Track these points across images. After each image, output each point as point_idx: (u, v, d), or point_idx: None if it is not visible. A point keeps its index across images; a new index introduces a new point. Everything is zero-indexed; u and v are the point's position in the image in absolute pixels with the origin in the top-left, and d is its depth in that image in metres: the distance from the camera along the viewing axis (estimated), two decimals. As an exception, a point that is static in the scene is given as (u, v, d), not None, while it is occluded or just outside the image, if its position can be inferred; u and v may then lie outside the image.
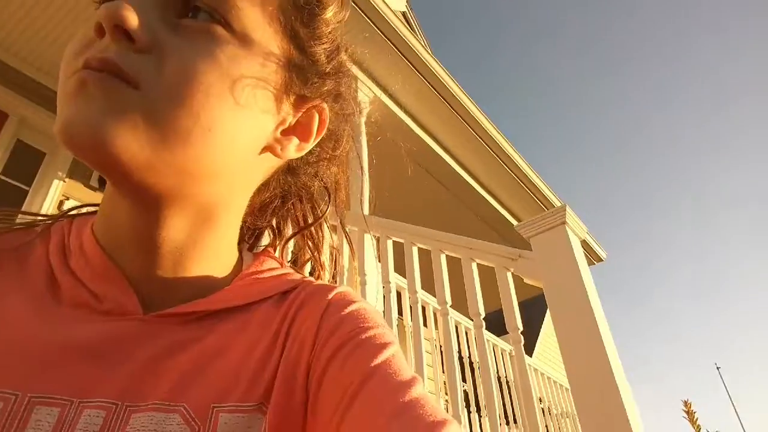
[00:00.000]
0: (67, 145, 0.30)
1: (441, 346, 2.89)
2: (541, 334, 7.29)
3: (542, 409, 3.69)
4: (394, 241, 2.27)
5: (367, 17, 3.27)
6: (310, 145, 0.43)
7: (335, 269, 0.56)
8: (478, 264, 1.93)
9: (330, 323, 0.37)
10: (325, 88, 0.42)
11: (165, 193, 0.34)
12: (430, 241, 2.08)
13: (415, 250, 2.15)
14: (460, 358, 3.14)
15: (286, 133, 0.41)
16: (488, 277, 1.92)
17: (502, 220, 5.26)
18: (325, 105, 0.43)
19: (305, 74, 0.40)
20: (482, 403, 3.06)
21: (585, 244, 5.41)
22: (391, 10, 3.36)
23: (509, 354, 3.70)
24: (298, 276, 0.44)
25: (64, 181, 3.33)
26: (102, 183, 3.41)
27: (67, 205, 3.19)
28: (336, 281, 0.51)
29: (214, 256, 0.39)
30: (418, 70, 3.69)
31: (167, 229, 0.35)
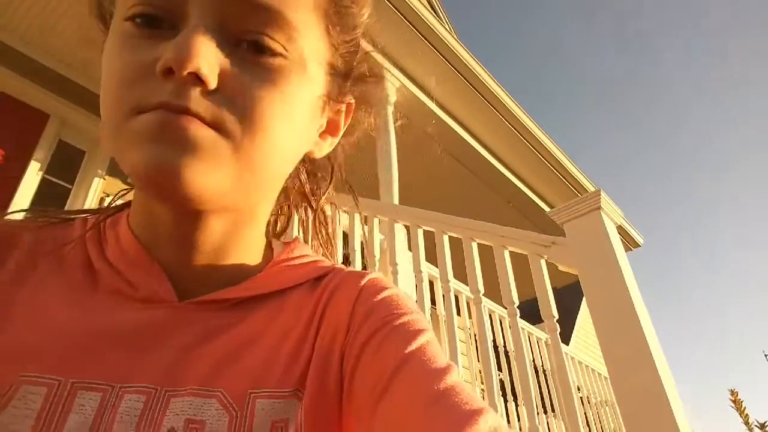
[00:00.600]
0: (150, 185, 0.30)
1: (475, 335, 2.88)
2: (577, 321, 7.15)
3: (581, 398, 3.63)
4: (424, 231, 2.26)
5: (392, 4, 3.24)
6: (338, 139, 0.45)
7: (346, 250, 0.56)
8: (510, 252, 1.90)
9: (363, 309, 0.37)
10: (360, 88, 0.44)
11: (219, 208, 0.35)
12: (461, 230, 2.06)
13: (446, 238, 2.14)
14: (495, 346, 3.12)
15: (322, 134, 0.43)
16: (521, 264, 1.89)
17: (535, 207, 5.16)
18: (353, 100, 0.45)
19: (344, 79, 0.42)
20: (518, 392, 3.04)
21: (621, 230, 5.26)
22: (416, -4, 3.32)
23: (545, 342, 3.65)
24: (329, 263, 0.45)
25: (104, 179, 3.44)
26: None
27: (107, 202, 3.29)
28: (366, 270, 0.51)
29: (248, 246, 0.40)
30: (444, 57, 3.63)
31: (208, 231, 0.36)
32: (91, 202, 3.31)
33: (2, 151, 3.04)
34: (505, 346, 3.29)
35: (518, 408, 2.99)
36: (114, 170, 3.49)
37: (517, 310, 1.79)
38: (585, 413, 3.56)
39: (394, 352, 0.32)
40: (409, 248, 2.40)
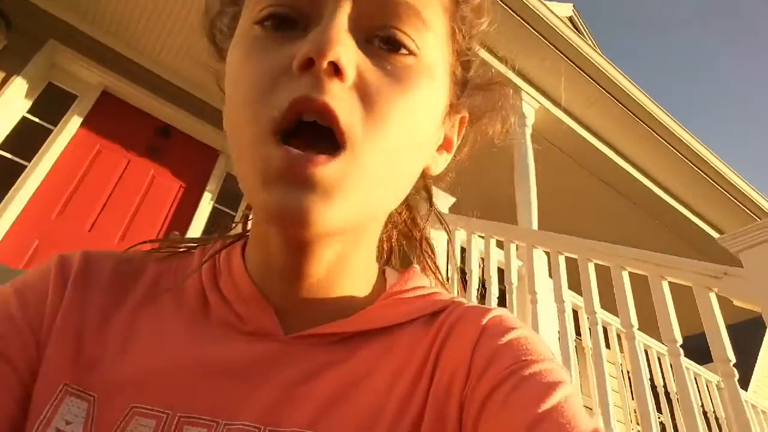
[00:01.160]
0: (278, 225, 0.30)
1: (628, 372, 2.60)
2: (758, 363, 6.07)
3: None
4: (566, 257, 2.12)
5: (531, 26, 3.17)
6: (452, 155, 0.43)
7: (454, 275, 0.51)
8: (670, 283, 1.69)
9: (486, 353, 0.32)
10: (478, 100, 0.42)
11: (334, 236, 0.33)
12: (609, 257, 1.89)
13: (591, 266, 1.98)
14: (653, 386, 2.78)
15: (439, 148, 0.41)
16: (682, 295, 1.67)
17: (701, 233, 4.53)
18: (466, 114, 0.43)
19: (463, 89, 0.40)
20: (683, 442, 2.66)
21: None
22: (556, 16, 3.21)
23: (716, 385, 3.16)
24: (447, 296, 0.41)
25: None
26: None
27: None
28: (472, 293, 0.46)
29: (357, 274, 0.38)
30: (588, 75, 3.43)
31: (319, 262, 0.35)
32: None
33: (183, 184, 3.57)
34: (665, 386, 2.91)
35: (684, 460, 2.61)
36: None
37: (681, 350, 1.58)
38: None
39: (525, 410, 0.28)
40: (550, 275, 2.27)
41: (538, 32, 3.20)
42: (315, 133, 0.29)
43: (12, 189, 2.92)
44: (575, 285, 2.13)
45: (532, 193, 3.11)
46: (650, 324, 1.94)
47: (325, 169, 0.29)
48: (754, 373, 5.96)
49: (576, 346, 2.33)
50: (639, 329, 1.80)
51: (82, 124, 3.30)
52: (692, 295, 1.59)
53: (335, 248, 0.35)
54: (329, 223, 0.29)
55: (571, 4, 5.57)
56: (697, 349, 2.26)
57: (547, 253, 2.27)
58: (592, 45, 3.41)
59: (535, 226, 2.98)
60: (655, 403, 2.87)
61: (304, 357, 0.34)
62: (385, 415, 0.31)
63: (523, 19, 3.13)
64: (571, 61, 3.34)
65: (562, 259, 2.11)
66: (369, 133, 0.30)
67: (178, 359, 0.33)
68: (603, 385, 1.79)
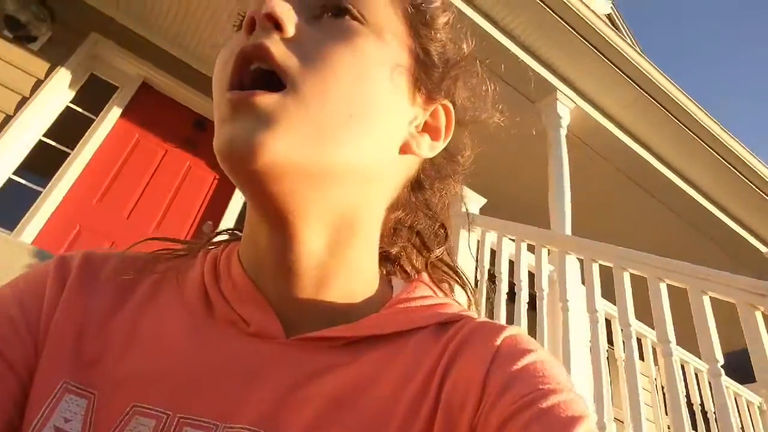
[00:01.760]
0: (225, 161, 0.31)
1: (663, 387, 2.50)
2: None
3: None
4: (600, 265, 2.04)
5: (566, 22, 3.07)
6: (441, 145, 0.42)
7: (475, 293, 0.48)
8: (711, 298, 1.61)
9: (500, 378, 0.31)
10: (448, 85, 0.42)
11: (305, 202, 0.33)
12: (646, 267, 1.81)
13: (626, 276, 1.90)
14: (689, 403, 2.67)
15: (419, 131, 0.41)
16: (722, 308, 1.58)
17: (750, 248, 4.32)
18: (450, 106, 0.43)
19: (430, 71, 0.40)
20: (718, 462, 2.54)
21: None
22: (594, 13, 3.10)
23: (757, 407, 3.01)
24: (457, 307, 0.40)
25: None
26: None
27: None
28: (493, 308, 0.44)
29: (356, 272, 0.38)
30: (627, 75, 3.31)
31: (305, 243, 0.35)
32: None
33: (218, 175, 3.63)
34: (702, 404, 2.79)
35: (718, 482, 2.49)
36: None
37: (721, 370, 1.50)
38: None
39: None
40: (582, 282, 2.19)
41: (574, 29, 3.10)
42: (267, 85, 0.31)
43: (55, 176, 3.03)
44: (608, 293, 2.05)
45: (566, 196, 3.02)
46: (687, 336, 1.85)
47: (265, 98, 0.30)
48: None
49: (608, 356, 2.26)
50: (676, 343, 1.72)
51: (122, 115, 3.40)
52: (733, 308, 1.51)
53: (318, 232, 0.35)
54: (273, 153, 0.30)
55: (610, 1, 5.38)
56: (739, 366, 2.14)
57: (581, 260, 2.19)
58: (631, 43, 3.29)
59: (568, 231, 2.89)
60: (691, 421, 2.76)
61: (307, 360, 0.34)
62: (394, 420, 0.30)
63: (559, 16, 3.04)
64: (608, 60, 3.22)
65: (596, 267, 2.04)
66: (309, 75, 0.31)
67: (180, 359, 0.33)
68: (636, 399, 1.72)
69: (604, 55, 3.21)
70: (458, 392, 0.31)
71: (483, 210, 2.72)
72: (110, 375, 0.32)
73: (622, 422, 2.46)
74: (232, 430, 0.30)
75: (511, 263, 2.43)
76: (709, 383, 2.75)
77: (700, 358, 2.44)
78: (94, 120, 3.29)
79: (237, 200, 3.61)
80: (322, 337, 0.34)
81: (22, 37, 2.95)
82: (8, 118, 2.85)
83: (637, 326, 2.11)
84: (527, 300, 2.27)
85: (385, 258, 0.45)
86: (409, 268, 0.47)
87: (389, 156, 0.38)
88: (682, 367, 2.86)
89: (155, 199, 3.33)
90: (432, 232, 0.46)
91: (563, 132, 3.28)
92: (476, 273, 2.38)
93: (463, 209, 2.63)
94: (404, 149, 0.39)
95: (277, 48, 0.31)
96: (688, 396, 2.72)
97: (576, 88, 3.41)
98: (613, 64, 3.25)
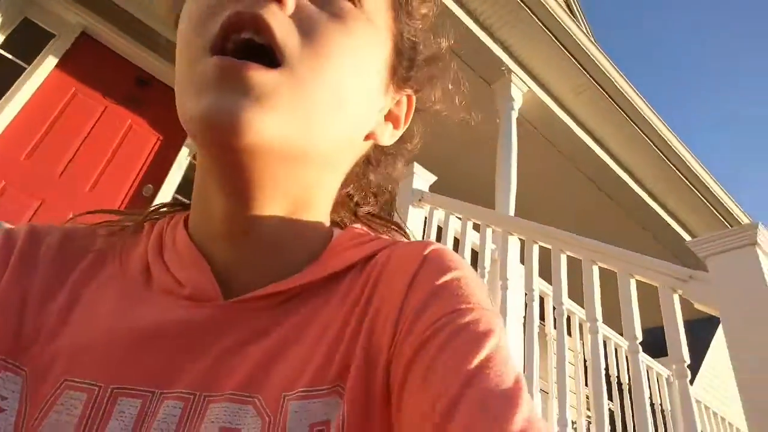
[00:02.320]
0: (207, 131, 0.29)
1: (585, 361, 2.69)
2: (705, 361, 6.37)
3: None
4: (540, 247, 2.15)
5: (525, 5, 3.12)
6: (399, 133, 0.43)
7: None
8: (637, 281, 1.74)
9: (421, 293, 0.31)
10: (419, 77, 0.43)
11: (274, 179, 0.33)
12: (582, 251, 1.93)
13: (563, 258, 2.02)
14: (607, 376, 2.89)
15: (385, 119, 0.42)
16: (643, 291, 1.73)
17: (675, 236, 4.65)
18: (414, 96, 0.43)
19: (406, 62, 0.41)
20: (629, 428, 2.79)
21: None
22: (553, -2, 3.16)
23: (665, 379, 3.31)
24: (389, 240, 0.39)
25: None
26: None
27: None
28: None
29: (304, 240, 0.37)
30: (579, 63, 3.43)
31: (263, 215, 0.34)
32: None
33: (161, 137, 3.47)
34: (618, 378, 3.03)
35: (629, 447, 2.75)
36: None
37: (640, 347, 1.64)
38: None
39: (454, 371, 0.26)
40: (521, 261, 2.30)
41: (533, 12, 3.16)
42: (254, 56, 0.29)
43: (-22, 126, 2.79)
44: (542, 272, 2.17)
45: (512, 177, 3.12)
46: (610, 315, 2.00)
47: (261, 75, 0.29)
48: (700, 370, 6.26)
49: (539, 332, 2.40)
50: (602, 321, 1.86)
51: (58, 65, 3.15)
52: (650, 290, 1.64)
53: (278, 205, 0.34)
54: (260, 132, 0.29)
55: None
56: (651, 342, 2.34)
57: (522, 241, 2.30)
58: (585, 32, 3.39)
59: (512, 211, 3.00)
60: (608, 392, 3.00)
61: (245, 321, 0.33)
62: (311, 363, 0.30)
63: None
64: (563, 46, 3.32)
65: (536, 248, 2.14)
66: (307, 57, 0.30)
67: (111, 330, 0.32)
68: (562, 372, 1.85)
69: (559, 41, 3.29)
70: (383, 313, 0.32)
71: (433, 187, 2.77)
72: (43, 351, 0.31)
73: (547, 393, 2.64)
74: (169, 395, 0.30)
75: (456, 241, 2.51)
76: (627, 358, 3.00)
77: (620, 335, 2.65)
78: (26, 68, 3.04)
79: (181, 163, 3.47)
80: (257, 297, 0.34)
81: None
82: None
83: (568, 304, 2.25)
84: (470, 277, 2.35)
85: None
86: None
87: (357, 143, 0.39)
88: (604, 343, 3.09)
89: (91, 158, 3.15)
90: (375, 204, 0.48)
91: (515, 115, 3.37)
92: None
93: (414, 186, 2.68)
94: (369, 136, 0.40)
95: (277, 24, 0.30)
96: (607, 369, 2.95)
97: (530, 72, 3.49)
98: (568, 50, 3.35)
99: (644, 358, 3.03)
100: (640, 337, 1.64)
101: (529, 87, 3.48)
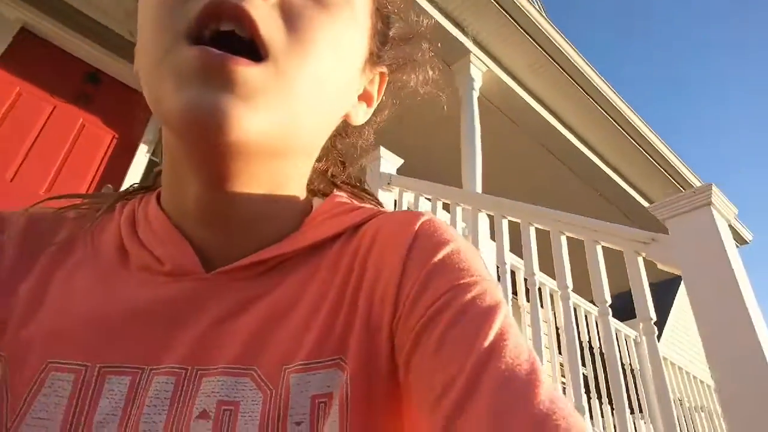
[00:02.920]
0: (191, 126, 0.28)
1: (557, 329, 2.79)
2: (669, 320, 6.70)
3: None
4: (509, 221, 2.20)
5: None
6: (372, 110, 0.43)
7: None
8: (603, 247, 1.81)
9: (420, 270, 0.31)
10: (397, 56, 0.43)
11: (253, 171, 0.32)
12: (550, 222, 1.98)
13: (532, 230, 2.07)
14: (579, 342, 3.00)
15: (359, 98, 0.41)
16: (609, 259, 1.80)
17: (633, 202, 4.84)
18: (387, 72, 0.43)
19: (382, 41, 0.41)
20: (602, 390, 2.91)
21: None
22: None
23: (633, 340, 3.46)
24: (374, 209, 0.39)
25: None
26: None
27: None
28: None
29: (283, 217, 0.37)
30: (535, 41, 3.48)
31: (240, 200, 0.33)
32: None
33: (116, 134, 3.35)
34: (589, 343, 3.15)
35: (602, 406, 2.87)
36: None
37: (609, 309, 1.70)
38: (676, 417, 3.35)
39: (466, 349, 0.26)
40: (492, 238, 2.35)
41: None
42: (233, 50, 0.28)
43: None
44: (514, 248, 2.23)
45: (477, 156, 3.17)
46: (576, 285, 2.07)
47: (248, 70, 0.28)
48: (665, 329, 6.58)
49: (512, 305, 2.46)
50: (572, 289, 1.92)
51: (-2, 64, 2.98)
52: (612, 259, 1.71)
53: (255, 192, 0.33)
54: (249, 131, 0.28)
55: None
56: (617, 307, 2.44)
57: (491, 217, 2.34)
58: (538, 8, 3.44)
59: (479, 188, 3.05)
60: (581, 357, 3.11)
61: (229, 293, 0.33)
62: (309, 336, 0.30)
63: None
64: (517, 24, 3.36)
65: (505, 223, 2.19)
66: (292, 50, 0.29)
67: (93, 310, 0.32)
68: (538, 343, 1.91)
69: (514, 19, 3.33)
70: (379, 289, 0.31)
71: (400, 170, 2.78)
72: (17, 336, 0.30)
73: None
74: (159, 371, 0.29)
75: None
76: (597, 322, 3.11)
77: (589, 302, 2.76)
78: (-38, 68, 2.87)
79: (140, 160, 3.36)
80: (242, 266, 0.33)
81: None
82: None
83: (539, 277, 2.31)
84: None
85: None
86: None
87: (334, 125, 0.39)
88: (575, 311, 3.20)
89: (44, 161, 3.01)
90: (344, 171, 0.48)
91: (475, 94, 3.40)
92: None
93: (381, 170, 2.68)
94: (344, 117, 0.40)
95: (260, 16, 0.28)
96: (578, 335, 3.06)
97: (488, 52, 3.53)
98: (523, 28, 3.39)
99: (613, 322, 3.16)
100: (609, 301, 1.70)
101: (488, 67, 3.52)
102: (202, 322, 0.31)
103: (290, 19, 0.30)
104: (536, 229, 2.07)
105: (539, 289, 2.71)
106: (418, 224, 0.34)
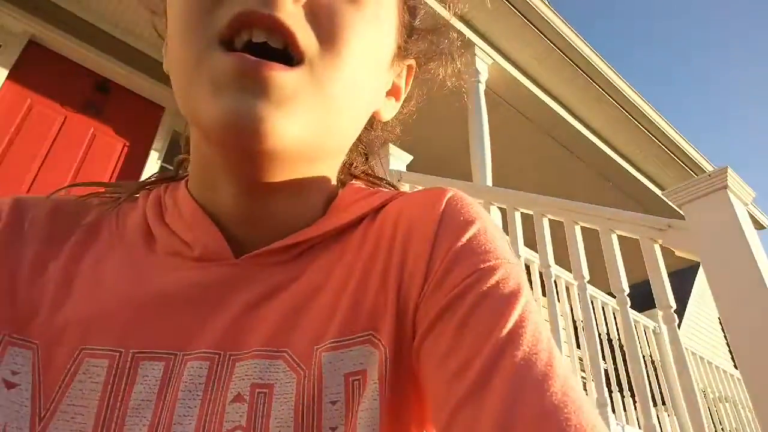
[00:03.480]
0: (229, 134, 0.28)
1: (575, 322, 2.75)
2: (688, 309, 6.60)
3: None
4: (522, 214, 2.18)
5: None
6: (400, 104, 0.43)
7: None
8: (618, 236, 1.78)
9: (447, 251, 0.30)
10: (424, 47, 0.42)
11: (286, 176, 0.33)
12: (563, 212, 1.96)
13: (545, 222, 2.05)
14: (598, 334, 2.97)
15: (387, 94, 0.41)
16: (625, 248, 1.77)
17: (645, 190, 4.76)
18: (413, 62, 0.43)
19: (410, 34, 0.41)
20: (623, 383, 2.87)
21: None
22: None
23: (653, 331, 3.41)
24: (393, 192, 0.39)
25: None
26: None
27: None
28: None
29: (312, 206, 0.37)
30: (541, 31, 3.44)
31: (273, 203, 0.34)
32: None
33: (127, 142, 3.38)
34: (608, 335, 3.11)
35: (624, 399, 2.83)
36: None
37: (628, 299, 1.68)
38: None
39: (485, 335, 0.26)
40: (504, 231, 2.33)
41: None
42: (266, 55, 0.28)
43: (-68, 148, 2.66)
44: (527, 241, 2.20)
45: (486, 149, 3.14)
46: (592, 276, 2.04)
47: (284, 76, 0.28)
48: (684, 318, 6.48)
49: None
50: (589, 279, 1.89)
51: (9, 78, 3.02)
52: (627, 249, 1.68)
53: (287, 193, 0.34)
54: (285, 137, 0.28)
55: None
56: (633, 297, 2.41)
57: (502, 210, 2.32)
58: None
59: (489, 182, 3.03)
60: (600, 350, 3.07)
61: (259, 278, 0.33)
62: (337, 314, 0.30)
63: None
64: (521, 14, 3.33)
65: (518, 215, 2.17)
66: (326, 53, 0.29)
67: (124, 295, 0.32)
68: (556, 338, 1.89)
69: (518, 10, 3.30)
70: (408, 264, 0.31)
71: (410, 167, 2.77)
72: (50, 323, 0.30)
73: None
74: (192, 356, 0.30)
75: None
76: (614, 313, 3.07)
77: (607, 293, 2.72)
78: (-26, 83, 2.91)
79: (152, 167, 3.39)
80: (269, 251, 0.33)
81: None
82: None
83: (554, 269, 2.29)
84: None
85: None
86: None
87: (362, 125, 0.38)
88: (592, 302, 3.16)
89: (58, 171, 3.04)
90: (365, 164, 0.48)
91: (482, 87, 3.38)
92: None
93: (391, 167, 2.67)
94: (374, 115, 0.40)
95: (294, 23, 0.28)
96: (597, 329, 3.03)
97: (493, 44, 3.49)
98: (527, 18, 3.36)
99: (630, 312, 3.11)
100: (627, 290, 1.68)
101: (493, 59, 3.49)
102: (233, 307, 0.32)
103: (323, 20, 0.30)
104: (549, 220, 2.05)
105: (555, 282, 2.69)
106: (444, 203, 0.33)
